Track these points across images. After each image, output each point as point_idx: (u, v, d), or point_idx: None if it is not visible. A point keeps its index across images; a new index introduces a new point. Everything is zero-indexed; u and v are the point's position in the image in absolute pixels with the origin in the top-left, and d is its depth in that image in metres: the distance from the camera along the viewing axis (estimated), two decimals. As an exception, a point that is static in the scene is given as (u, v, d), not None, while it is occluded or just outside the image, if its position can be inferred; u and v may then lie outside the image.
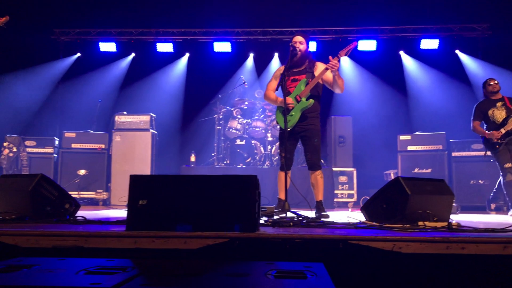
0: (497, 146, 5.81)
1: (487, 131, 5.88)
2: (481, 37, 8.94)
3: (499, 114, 5.89)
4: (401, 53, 9.53)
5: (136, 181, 2.87)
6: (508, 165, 5.78)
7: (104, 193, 7.60)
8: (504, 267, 2.46)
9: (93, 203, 7.61)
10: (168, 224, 2.76)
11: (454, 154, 7.43)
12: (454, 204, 4.50)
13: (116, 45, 9.46)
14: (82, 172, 7.62)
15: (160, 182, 2.91)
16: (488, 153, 6.08)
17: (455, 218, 4.32)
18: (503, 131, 5.75)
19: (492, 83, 6.01)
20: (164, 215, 2.80)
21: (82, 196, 7.54)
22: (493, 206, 6.38)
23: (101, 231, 2.72)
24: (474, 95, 8.75)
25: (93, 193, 7.61)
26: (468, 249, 2.46)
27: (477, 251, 2.46)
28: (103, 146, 7.80)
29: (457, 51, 9.22)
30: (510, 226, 3.08)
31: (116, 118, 7.82)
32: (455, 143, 7.49)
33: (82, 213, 3.82)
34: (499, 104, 5.94)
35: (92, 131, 8.01)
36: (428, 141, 7.64)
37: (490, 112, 5.94)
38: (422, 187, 3.56)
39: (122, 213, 5.15)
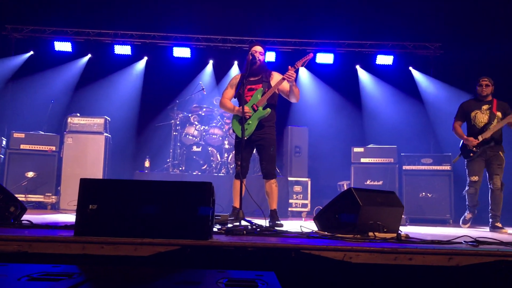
0: (471, 154, 5.50)
1: (465, 135, 5.59)
2: (433, 56, 9.30)
3: (481, 118, 5.54)
4: (357, 67, 9.77)
5: (86, 185, 2.79)
6: (474, 178, 5.51)
7: (53, 196, 7.33)
8: (449, 278, 2.55)
9: (41, 207, 7.32)
10: (119, 230, 2.69)
11: (404, 167, 7.65)
12: (403, 216, 4.49)
13: (71, 45, 9.20)
14: (30, 174, 7.33)
15: (112, 187, 2.84)
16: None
17: (404, 229, 4.44)
18: (480, 138, 5.43)
19: (483, 84, 5.57)
20: (115, 221, 2.73)
21: (29, 199, 7.23)
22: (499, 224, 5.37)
23: (48, 235, 2.62)
24: (425, 111, 9.09)
25: (42, 196, 7.32)
26: (415, 260, 2.54)
27: (424, 262, 2.54)
28: (53, 148, 7.54)
29: (410, 68, 9.54)
30: (455, 238, 3.19)
31: (69, 120, 7.59)
32: (406, 156, 7.72)
33: (28, 217, 3.67)
34: (485, 107, 5.55)
35: (42, 132, 7.73)
36: (381, 154, 7.84)
37: (473, 114, 5.59)
38: (374, 198, 3.65)
39: (71, 217, 4.99)
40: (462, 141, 5.68)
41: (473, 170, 5.53)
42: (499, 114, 5.47)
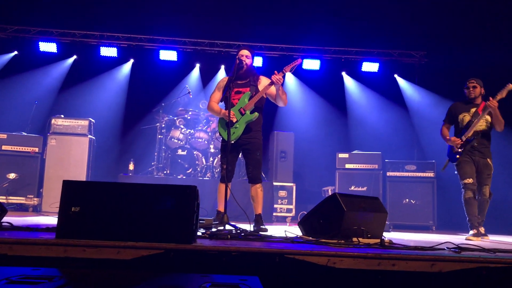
0: (457, 156, 5.31)
1: (450, 137, 5.42)
2: (418, 63, 9.41)
3: (468, 120, 5.37)
4: (343, 74, 9.83)
5: (69, 186, 2.75)
6: (468, 180, 5.24)
7: (35, 198, 7.22)
8: (432, 284, 2.57)
9: (22, 209, 7.21)
10: (101, 233, 2.66)
11: (389, 173, 7.71)
12: (387, 222, 4.33)
13: (57, 46, 9.09)
14: (12, 176, 7.21)
15: (95, 189, 2.80)
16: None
17: (388, 235, 4.47)
18: (463, 138, 5.27)
19: (470, 86, 5.40)
20: (98, 224, 2.69)
21: (10, 201, 7.11)
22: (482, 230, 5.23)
23: (28, 238, 2.58)
24: (410, 119, 9.19)
25: (23, 198, 7.21)
26: (398, 265, 2.55)
27: (406, 268, 2.55)
28: (36, 149, 7.43)
29: (395, 75, 9.64)
30: (438, 245, 3.22)
31: (53, 121, 7.51)
32: (390, 163, 7.78)
33: (9, 219, 3.61)
34: (473, 109, 5.37)
35: (25, 133, 7.62)
36: (365, 160, 7.89)
37: (461, 116, 5.43)
38: (358, 204, 3.66)
39: (53, 220, 4.92)
40: (449, 146, 5.51)
41: (465, 172, 5.27)
42: (488, 117, 5.31)
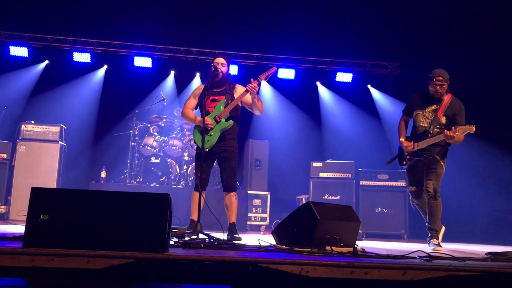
0: (404, 162, 4.86)
1: (403, 139, 4.84)
2: (391, 75, 9.57)
3: (422, 121, 4.76)
4: (318, 83, 9.92)
5: (37, 194, 2.68)
6: (412, 188, 4.88)
7: (3, 206, 7.01)
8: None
9: (-12, 217, 7.00)
10: (71, 242, 2.59)
11: (361, 182, 7.78)
12: (360, 230, 4.31)
13: (28, 50, 8.89)
14: (-22, 183, 7.00)
15: (65, 197, 2.74)
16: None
17: (361, 244, 4.50)
18: (415, 147, 4.69)
19: (436, 84, 4.61)
20: (67, 232, 2.63)
21: (-24, 209, 6.90)
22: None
23: (-6, 247, 2.50)
24: (382, 128, 9.32)
25: (-10, 206, 7.00)
26: (371, 274, 2.57)
27: (379, 277, 2.57)
28: (4, 156, 7.24)
29: (369, 86, 9.77)
30: (409, 253, 3.26)
31: (23, 127, 7.32)
32: (363, 172, 7.86)
33: (-27, 227, 3.49)
34: (431, 107, 4.72)
35: (-7, 139, 7.42)
36: (339, 169, 7.95)
37: (415, 113, 4.83)
38: (331, 212, 3.68)
39: (21, 228, 4.77)
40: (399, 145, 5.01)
41: (412, 178, 4.89)
42: (443, 119, 4.68)
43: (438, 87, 4.62)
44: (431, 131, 4.69)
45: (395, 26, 8.84)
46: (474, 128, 4.47)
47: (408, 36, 8.88)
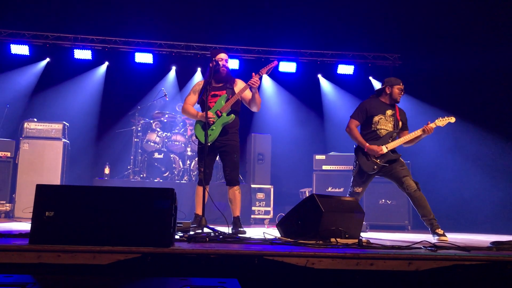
0: (375, 167, 4.81)
1: (368, 144, 4.84)
2: (392, 66, 9.54)
3: (384, 125, 4.92)
4: (319, 76, 9.91)
5: (42, 191, 2.69)
6: (359, 189, 4.96)
7: (7, 204, 7.04)
8: (409, 283, 2.60)
9: (-7, 215, 7.03)
10: (77, 238, 2.60)
11: (365, 174, 7.77)
12: (364, 222, 4.27)
13: (29, 49, 8.90)
14: (-18, 181, 7.02)
15: (69, 193, 2.74)
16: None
17: (365, 235, 4.51)
18: (385, 149, 4.77)
19: (402, 89, 4.98)
20: (72, 228, 2.64)
21: (-19, 207, 6.93)
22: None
23: (0, 244, 2.50)
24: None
25: (-5, 204, 7.03)
26: (376, 265, 2.57)
27: (384, 267, 2.58)
28: (8, 154, 7.26)
29: (370, 78, 9.76)
30: (414, 244, 3.26)
31: (25, 125, 7.34)
32: (366, 164, 7.83)
33: (-21, 225, 3.51)
34: (389, 112, 4.96)
35: (-4, 138, 7.44)
36: (341, 161, 7.94)
37: (376, 118, 4.92)
38: (335, 204, 3.69)
39: (26, 226, 4.80)
40: (356, 146, 5.02)
41: (360, 181, 4.96)
42: (400, 123, 4.99)
43: (402, 92, 4.99)
44: (396, 133, 4.95)
45: (396, 17, 8.81)
46: (454, 119, 4.85)
47: (409, 27, 8.85)
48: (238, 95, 4.62)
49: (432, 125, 4.79)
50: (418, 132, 4.84)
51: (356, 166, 5.01)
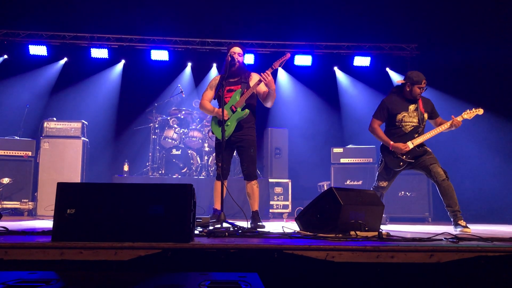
0: (401, 163, 4.74)
1: (391, 141, 4.78)
2: (410, 57, 9.42)
3: (409, 121, 4.81)
4: (335, 69, 9.84)
5: (64, 189, 2.73)
6: (384, 183, 4.93)
7: (30, 203, 7.18)
8: (431, 275, 2.57)
9: (17, 213, 7.17)
10: (98, 235, 2.64)
11: (383, 167, 7.70)
12: (383, 214, 4.18)
13: (47, 49, 9.02)
14: (5, 180, 7.15)
15: (90, 191, 2.78)
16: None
17: (385, 228, 4.48)
18: (410, 145, 4.70)
19: (424, 87, 4.78)
20: (94, 225, 2.67)
21: (5, 206, 7.07)
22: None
23: (24, 242, 2.55)
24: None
25: (18, 203, 7.16)
26: (397, 257, 2.55)
27: (405, 260, 2.55)
28: (29, 153, 7.38)
29: (387, 69, 9.65)
30: (435, 235, 3.22)
31: (45, 124, 7.46)
32: (385, 156, 7.77)
33: (4, 223, 3.58)
34: (412, 107, 4.83)
35: (18, 138, 7.57)
36: (360, 154, 7.90)
37: (400, 116, 4.82)
38: (354, 197, 3.66)
39: (48, 223, 4.88)
40: (381, 144, 4.96)
41: (387, 176, 4.92)
42: (426, 115, 4.88)
43: (423, 89, 4.80)
44: (422, 127, 4.85)
45: (413, 6, 8.67)
46: (482, 110, 4.78)
47: (427, 16, 8.71)
48: (252, 89, 4.60)
49: (459, 118, 4.73)
50: (445, 126, 4.76)
51: (381, 163, 4.97)
